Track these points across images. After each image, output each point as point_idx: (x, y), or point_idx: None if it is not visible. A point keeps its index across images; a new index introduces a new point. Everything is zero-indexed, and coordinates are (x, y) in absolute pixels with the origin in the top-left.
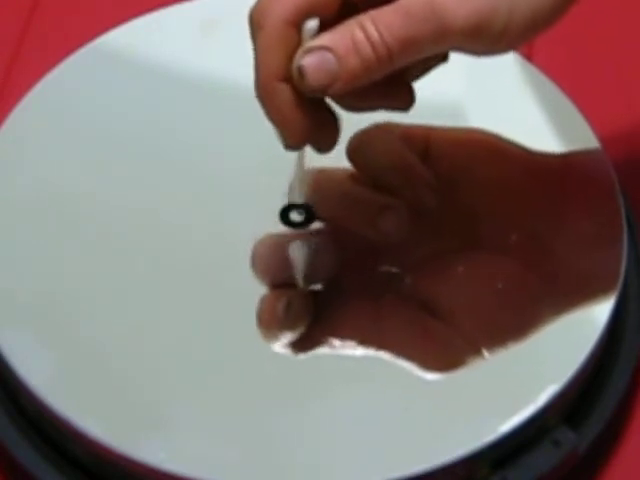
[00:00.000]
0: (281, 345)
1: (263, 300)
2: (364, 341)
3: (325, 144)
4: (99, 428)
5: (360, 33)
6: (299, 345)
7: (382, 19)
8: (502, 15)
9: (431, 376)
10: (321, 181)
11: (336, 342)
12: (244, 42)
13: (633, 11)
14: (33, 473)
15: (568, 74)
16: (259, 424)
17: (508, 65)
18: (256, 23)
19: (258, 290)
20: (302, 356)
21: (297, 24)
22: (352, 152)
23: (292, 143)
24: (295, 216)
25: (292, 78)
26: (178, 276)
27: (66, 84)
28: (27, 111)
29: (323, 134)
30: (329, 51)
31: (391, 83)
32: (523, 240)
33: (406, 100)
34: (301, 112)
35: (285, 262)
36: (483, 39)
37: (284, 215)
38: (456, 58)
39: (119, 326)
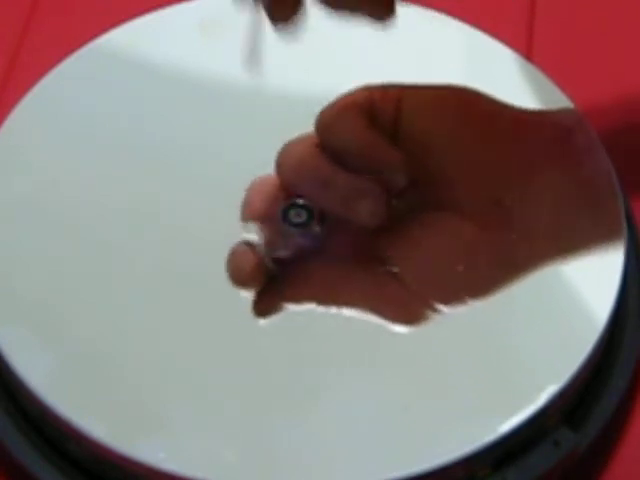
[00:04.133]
0: (249, 296)
1: (229, 256)
2: (321, 299)
3: (279, 13)
4: (99, 428)
5: None
6: (263, 302)
7: None
8: None
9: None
10: (294, 156)
11: (298, 300)
12: (244, 42)
13: (633, 11)
14: (33, 473)
15: (568, 74)
16: (259, 424)
17: (508, 65)
18: None
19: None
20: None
21: None
22: (320, 132)
23: None
24: (295, 216)
25: None
26: (178, 276)
27: (66, 84)
28: (27, 111)
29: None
30: None
31: None
32: (490, 206)
33: (386, 7)
34: None
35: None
36: None
37: (284, 215)
38: (455, 58)
39: (119, 326)
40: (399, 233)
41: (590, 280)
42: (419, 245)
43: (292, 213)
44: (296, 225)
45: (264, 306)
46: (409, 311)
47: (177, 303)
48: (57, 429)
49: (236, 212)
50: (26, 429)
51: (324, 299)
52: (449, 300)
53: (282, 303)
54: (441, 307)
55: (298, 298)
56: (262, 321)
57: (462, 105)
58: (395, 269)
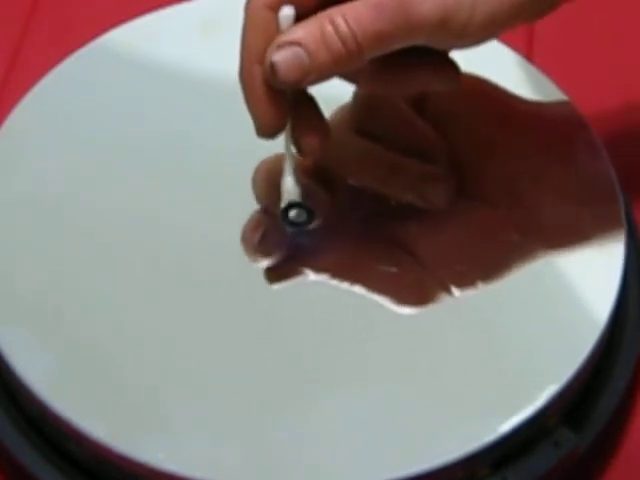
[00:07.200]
0: (259, 267)
1: (247, 222)
2: (337, 275)
3: (306, 144)
4: (99, 428)
5: (330, 27)
6: (275, 272)
7: (352, 13)
8: (466, 8)
9: (402, 310)
10: (344, 143)
11: (310, 273)
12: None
13: (633, 11)
14: (33, 473)
15: (568, 74)
16: (259, 424)
17: (508, 65)
18: (244, 8)
19: (257, 289)
20: (276, 286)
21: (276, 9)
22: (359, 115)
23: (262, 129)
24: (295, 216)
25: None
26: (178, 275)
27: (66, 84)
28: (27, 111)
29: (302, 132)
30: (300, 46)
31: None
32: (504, 193)
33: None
34: (274, 98)
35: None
36: (448, 32)
37: (284, 215)
38: (455, 58)
39: (119, 326)
40: (420, 217)
41: (590, 280)
42: (440, 229)
43: (292, 213)
44: (296, 225)
45: (279, 273)
46: (422, 291)
47: (177, 303)
48: (57, 429)
49: (236, 211)
50: (26, 429)
51: (340, 271)
52: (463, 286)
53: (298, 270)
54: (454, 290)
55: (315, 267)
56: (261, 321)
57: (478, 92)
58: (414, 250)
